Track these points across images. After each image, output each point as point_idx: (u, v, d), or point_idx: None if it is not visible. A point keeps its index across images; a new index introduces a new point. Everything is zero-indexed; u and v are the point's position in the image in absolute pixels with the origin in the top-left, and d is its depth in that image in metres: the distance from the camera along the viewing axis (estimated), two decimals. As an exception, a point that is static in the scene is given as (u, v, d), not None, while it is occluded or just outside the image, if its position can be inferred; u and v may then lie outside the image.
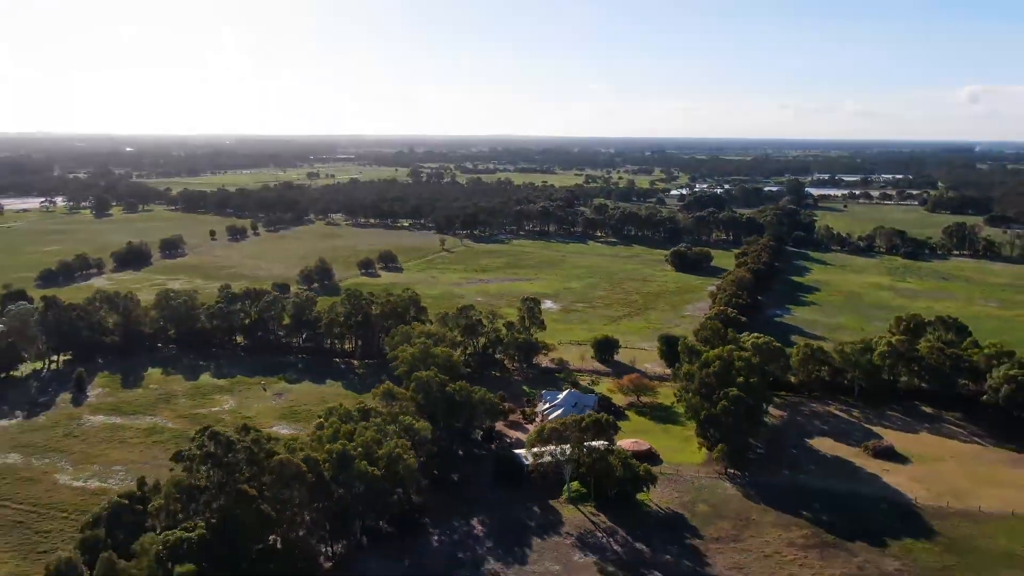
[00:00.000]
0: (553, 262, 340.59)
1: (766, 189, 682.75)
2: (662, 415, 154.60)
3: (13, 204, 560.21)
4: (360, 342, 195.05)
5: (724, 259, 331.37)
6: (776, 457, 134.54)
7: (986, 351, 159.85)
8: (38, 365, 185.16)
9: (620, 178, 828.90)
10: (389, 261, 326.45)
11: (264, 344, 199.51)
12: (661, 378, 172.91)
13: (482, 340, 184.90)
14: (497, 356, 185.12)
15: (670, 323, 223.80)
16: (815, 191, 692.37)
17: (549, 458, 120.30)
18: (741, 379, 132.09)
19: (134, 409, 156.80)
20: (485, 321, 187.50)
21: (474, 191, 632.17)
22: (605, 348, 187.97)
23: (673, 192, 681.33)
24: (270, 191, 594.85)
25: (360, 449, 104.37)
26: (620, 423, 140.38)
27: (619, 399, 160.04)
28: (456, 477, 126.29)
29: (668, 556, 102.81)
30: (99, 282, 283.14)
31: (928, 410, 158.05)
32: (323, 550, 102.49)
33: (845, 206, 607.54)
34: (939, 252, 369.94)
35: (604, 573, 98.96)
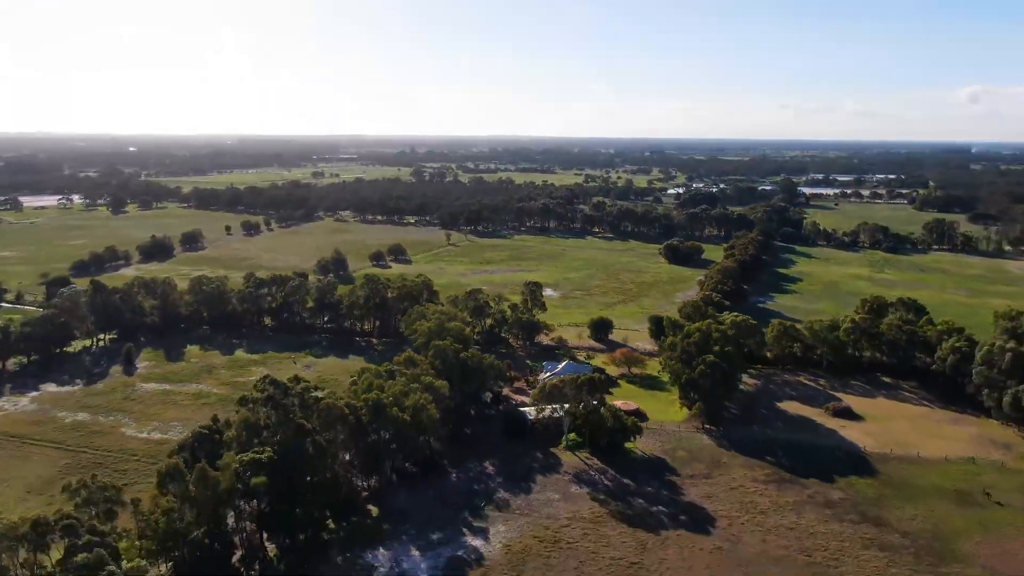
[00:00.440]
0: (553, 255, 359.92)
1: (760, 188, 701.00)
2: (649, 383, 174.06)
3: (30, 202, 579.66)
4: (378, 323, 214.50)
5: (715, 253, 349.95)
6: (748, 416, 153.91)
7: (939, 327, 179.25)
8: (87, 342, 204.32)
9: (619, 178, 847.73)
10: (399, 254, 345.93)
11: (290, 325, 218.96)
12: (650, 354, 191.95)
13: (489, 320, 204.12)
14: (503, 335, 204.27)
15: (661, 308, 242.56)
16: (808, 190, 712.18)
17: (550, 413, 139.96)
18: (717, 348, 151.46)
19: (180, 378, 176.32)
20: (492, 303, 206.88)
21: (476, 189, 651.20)
22: (600, 328, 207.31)
23: (670, 191, 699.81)
24: (279, 189, 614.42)
25: (390, 399, 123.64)
26: (612, 390, 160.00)
27: (612, 370, 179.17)
28: (469, 432, 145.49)
29: (650, 488, 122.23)
30: (128, 272, 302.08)
31: (887, 380, 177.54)
32: (359, 484, 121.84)
33: (836, 204, 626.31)
34: (919, 247, 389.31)
35: (596, 499, 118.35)
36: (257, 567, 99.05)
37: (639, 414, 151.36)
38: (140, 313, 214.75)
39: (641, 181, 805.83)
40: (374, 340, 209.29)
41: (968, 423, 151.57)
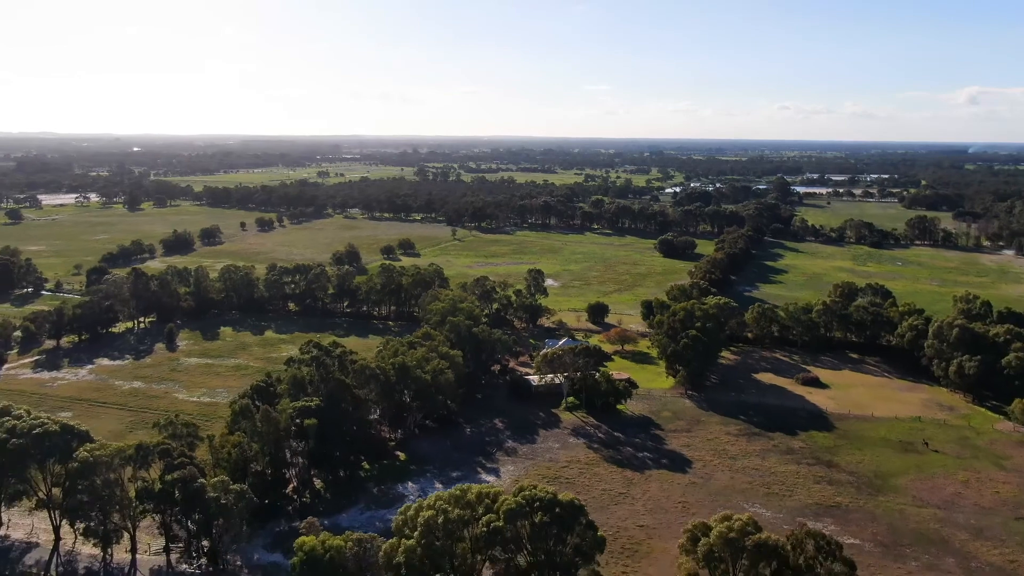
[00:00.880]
0: (554, 249, 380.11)
1: (755, 187, 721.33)
2: (640, 358, 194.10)
3: (47, 200, 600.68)
4: (394, 307, 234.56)
5: (707, 247, 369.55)
6: (726, 385, 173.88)
7: (901, 309, 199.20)
8: (129, 324, 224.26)
9: (618, 177, 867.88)
10: (407, 248, 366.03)
11: (312, 310, 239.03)
12: (642, 334, 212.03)
13: (495, 304, 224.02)
14: (508, 317, 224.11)
15: (654, 296, 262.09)
16: (803, 189, 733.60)
17: (551, 380, 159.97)
18: (699, 324, 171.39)
19: (219, 353, 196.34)
20: (498, 289, 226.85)
21: (479, 188, 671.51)
22: (597, 312, 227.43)
23: (667, 190, 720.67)
24: (289, 187, 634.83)
25: (413, 363, 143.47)
26: (606, 363, 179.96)
27: (607, 347, 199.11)
28: (480, 396, 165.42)
29: (637, 439, 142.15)
30: (153, 264, 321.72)
31: (854, 356, 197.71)
32: (387, 436, 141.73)
33: (828, 203, 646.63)
34: (902, 242, 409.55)
35: (591, 448, 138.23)
36: (307, 495, 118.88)
37: (630, 383, 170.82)
38: (176, 298, 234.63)
39: (640, 181, 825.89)
40: (391, 322, 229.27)
41: (920, 390, 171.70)
